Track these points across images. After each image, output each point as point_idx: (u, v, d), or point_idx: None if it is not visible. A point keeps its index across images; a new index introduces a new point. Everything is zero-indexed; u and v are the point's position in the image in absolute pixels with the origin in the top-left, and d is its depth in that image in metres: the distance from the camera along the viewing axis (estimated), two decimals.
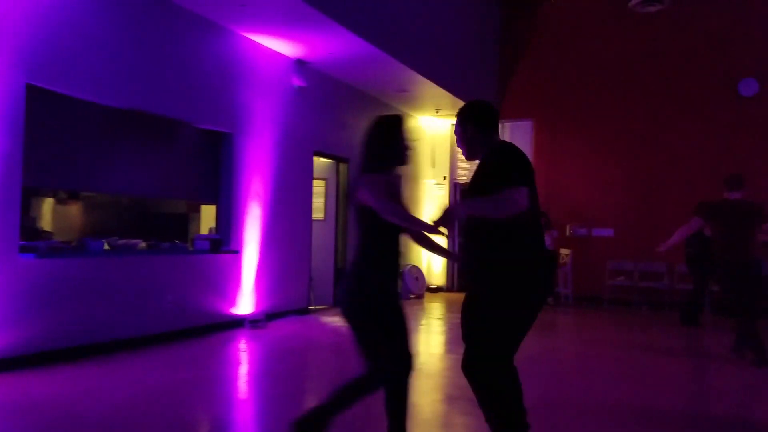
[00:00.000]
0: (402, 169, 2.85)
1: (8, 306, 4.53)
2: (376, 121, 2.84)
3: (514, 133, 11.09)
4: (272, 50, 7.23)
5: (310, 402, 3.62)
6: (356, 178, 2.76)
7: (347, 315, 2.73)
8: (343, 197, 8.82)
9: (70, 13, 4.97)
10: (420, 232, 2.91)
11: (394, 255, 2.77)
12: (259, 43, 7.01)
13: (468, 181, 11.13)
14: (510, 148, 2.72)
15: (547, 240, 9.97)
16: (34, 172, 4.81)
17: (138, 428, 3.38)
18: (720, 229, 5.60)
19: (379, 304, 2.68)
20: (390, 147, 2.75)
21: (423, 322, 7.95)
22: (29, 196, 6.45)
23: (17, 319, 4.59)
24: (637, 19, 9.92)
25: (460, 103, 9.72)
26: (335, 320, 7.60)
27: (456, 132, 2.89)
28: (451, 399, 4.34)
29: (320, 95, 8.15)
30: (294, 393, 4.46)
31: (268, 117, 7.26)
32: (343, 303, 2.73)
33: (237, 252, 6.76)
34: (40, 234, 5.74)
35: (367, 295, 2.67)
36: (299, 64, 7.60)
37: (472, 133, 2.80)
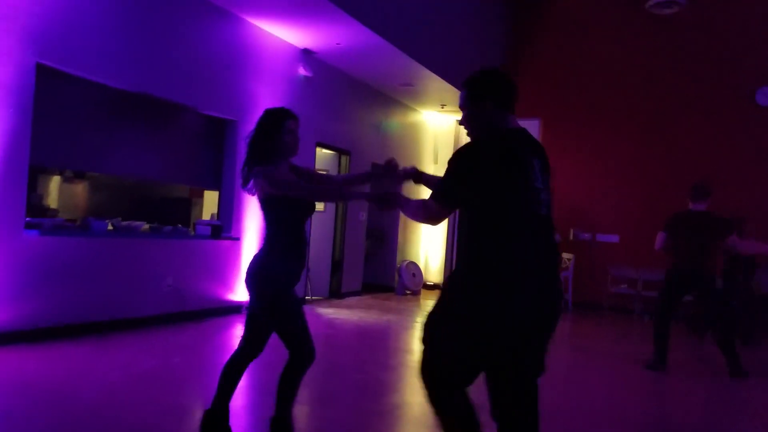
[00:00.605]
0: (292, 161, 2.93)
1: (10, 281, 4.60)
2: (262, 115, 2.91)
3: None
4: (280, 39, 7.25)
5: (299, 393, 3.69)
6: (246, 176, 2.82)
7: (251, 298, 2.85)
8: None
9: None
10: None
11: (298, 245, 2.83)
12: (267, 31, 7.04)
13: None
14: (470, 147, 2.20)
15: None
16: (42, 150, 4.87)
17: (127, 412, 3.43)
18: (681, 241, 5.53)
19: (277, 291, 2.77)
20: (272, 140, 2.81)
21: (418, 319, 8.01)
22: (36, 174, 6.51)
23: (17, 294, 4.66)
24: (652, 21, 9.78)
25: None
26: (331, 311, 7.67)
27: (464, 106, 2.37)
28: None
29: (325, 86, 8.17)
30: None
31: (272, 105, 7.27)
32: (247, 285, 2.83)
33: (237, 239, 6.82)
34: (46, 211, 5.80)
35: (266, 282, 2.76)
36: (306, 53, 7.63)
37: (490, 111, 2.29)
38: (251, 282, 2.80)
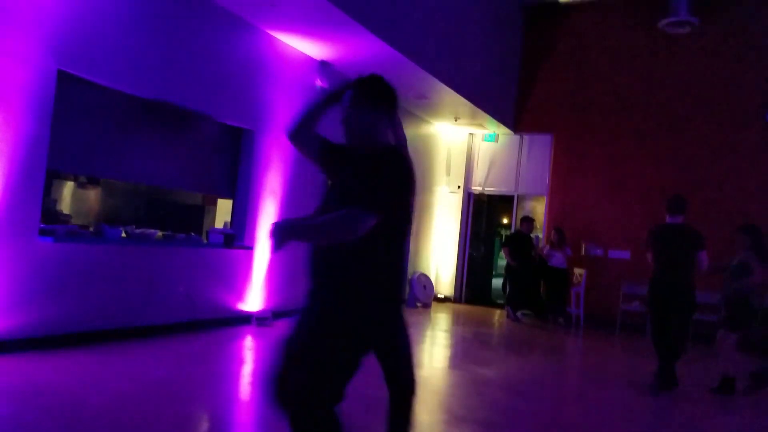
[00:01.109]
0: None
1: (23, 288, 4.59)
2: None
3: (533, 146, 11.06)
4: (297, 50, 7.26)
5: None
6: None
7: None
8: None
9: (101, 3, 5.03)
10: None
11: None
12: (285, 43, 7.05)
13: (480, 190, 11.16)
14: (395, 157, 2.20)
15: (560, 258, 9.92)
16: (59, 156, 4.87)
17: (138, 421, 3.41)
18: (657, 253, 5.56)
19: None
20: None
21: (428, 333, 7.94)
22: (51, 179, 6.52)
23: (30, 301, 4.65)
24: (665, 40, 9.86)
25: (479, 112, 9.75)
26: None
27: (344, 106, 2.33)
28: (456, 419, 4.33)
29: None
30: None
31: (288, 116, 7.29)
32: None
33: (250, 248, 6.80)
34: (59, 217, 5.80)
35: None
36: (323, 65, 7.63)
37: (368, 116, 2.28)
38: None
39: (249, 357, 5.62)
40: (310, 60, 7.49)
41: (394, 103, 2.35)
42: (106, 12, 5.06)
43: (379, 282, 2.14)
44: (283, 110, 7.17)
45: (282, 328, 6.81)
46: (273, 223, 2.15)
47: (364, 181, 2.11)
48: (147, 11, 5.43)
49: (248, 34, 6.56)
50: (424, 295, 10.08)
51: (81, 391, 3.87)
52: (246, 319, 6.80)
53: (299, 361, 2.13)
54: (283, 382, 2.14)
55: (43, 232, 4.76)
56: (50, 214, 5.62)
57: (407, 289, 10.04)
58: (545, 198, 10.98)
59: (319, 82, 7.60)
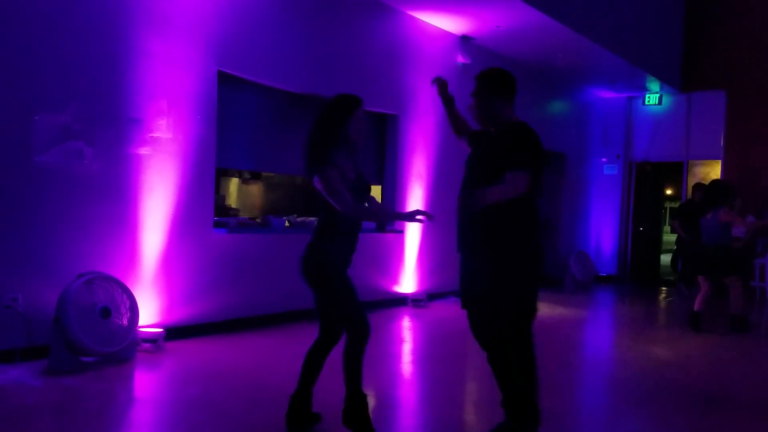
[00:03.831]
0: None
1: (203, 276, 5.03)
2: (331, 100, 2.91)
3: (701, 105, 9.90)
4: (437, 28, 7.14)
5: (474, 388, 3.54)
6: (310, 170, 2.84)
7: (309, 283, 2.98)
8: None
9: (252, 4, 5.31)
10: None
11: (349, 232, 2.90)
12: (424, 21, 6.96)
13: (644, 159, 10.24)
14: (523, 128, 2.82)
15: (740, 229, 8.77)
16: (224, 154, 5.26)
17: (313, 398, 3.54)
18: None
19: (333, 272, 2.88)
20: (339, 127, 2.80)
21: (593, 312, 7.46)
22: (218, 176, 7.10)
23: (209, 288, 5.08)
24: None
25: (639, 73, 8.90)
26: None
27: (473, 95, 2.94)
28: (628, 402, 3.98)
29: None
30: (458, 378, 4.41)
31: (431, 97, 7.17)
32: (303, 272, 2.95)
33: (401, 231, 6.85)
34: (228, 211, 6.28)
35: (321, 267, 2.89)
36: (464, 40, 7.43)
37: (492, 101, 2.88)
38: (308, 271, 2.91)
39: (408, 337, 5.67)
40: (450, 36, 7.33)
41: (511, 88, 2.93)
42: (257, 13, 5.33)
43: (525, 235, 2.84)
44: (426, 92, 7.09)
45: (437, 309, 6.80)
46: (460, 195, 2.80)
47: (512, 150, 2.74)
48: (292, 8, 5.64)
49: (388, 16, 6.57)
50: (583, 273, 9.49)
51: (259, 372, 4.14)
52: (402, 300, 6.88)
53: (488, 309, 2.82)
54: (480, 330, 2.89)
55: (217, 225, 5.17)
56: (221, 209, 6.11)
57: (566, 271, 9.53)
58: (720, 162, 9.77)
59: (460, 59, 7.41)
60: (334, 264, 2.88)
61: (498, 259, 2.79)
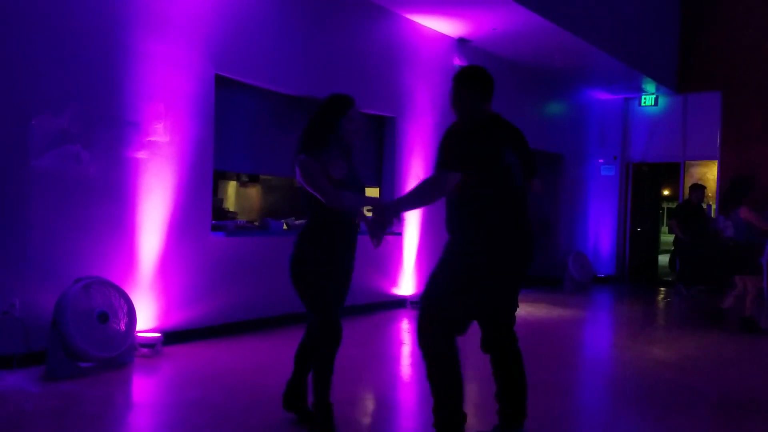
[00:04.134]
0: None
1: (201, 280, 5.01)
2: (323, 99, 2.93)
3: (697, 106, 9.93)
4: (434, 30, 7.15)
5: (473, 390, 3.55)
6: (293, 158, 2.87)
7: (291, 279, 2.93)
8: None
9: (250, 7, 5.30)
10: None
11: (331, 229, 2.86)
12: (421, 24, 6.97)
13: (640, 159, 10.25)
14: (472, 126, 2.74)
15: (730, 228, 8.77)
16: (222, 156, 5.25)
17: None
18: None
19: (307, 268, 2.85)
20: (329, 126, 2.83)
21: (591, 313, 7.46)
22: (216, 179, 7.09)
23: (208, 292, 5.06)
24: None
25: (635, 74, 8.92)
26: None
27: (450, 94, 2.92)
28: (629, 400, 3.98)
29: None
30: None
31: (428, 99, 7.21)
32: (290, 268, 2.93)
33: (399, 234, 6.85)
34: (227, 214, 6.27)
35: (298, 263, 2.88)
36: (461, 42, 7.44)
37: (464, 98, 2.82)
38: (290, 270, 2.90)
39: (407, 339, 5.66)
40: (447, 39, 7.34)
41: (479, 84, 2.82)
42: (255, 16, 5.33)
43: (495, 230, 2.69)
44: (423, 94, 7.11)
45: None
46: (375, 211, 2.75)
47: (445, 148, 2.72)
48: (290, 12, 5.64)
49: (385, 19, 6.57)
50: (581, 274, 9.50)
51: (258, 375, 4.13)
52: (400, 302, 6.88)
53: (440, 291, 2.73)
54: (429, 314, 2.73)
55: (215, 228, 5.16)
56: (218, 212, 6.09)
57: (564, 270, 9.54)
58: (716, 163, 9.80)
59: (457, 61, 7.42)
60: (308, 262, 2.85)
61: (446, 262, 2.75)
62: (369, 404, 3.80)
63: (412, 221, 7.02)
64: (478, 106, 2.81)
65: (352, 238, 2.95)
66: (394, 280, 6.86)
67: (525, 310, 7.18)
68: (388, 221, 2.77)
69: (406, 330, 5.97)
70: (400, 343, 5.52)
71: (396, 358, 4.99)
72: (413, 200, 2.86)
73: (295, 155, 2.85)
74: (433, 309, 2.69)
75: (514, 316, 2.93)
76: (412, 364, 4.81)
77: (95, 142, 4.31)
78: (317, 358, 2.90)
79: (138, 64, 4.53)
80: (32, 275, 4.04)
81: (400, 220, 2.73)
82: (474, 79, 2.84)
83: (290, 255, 2.92)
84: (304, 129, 2.89)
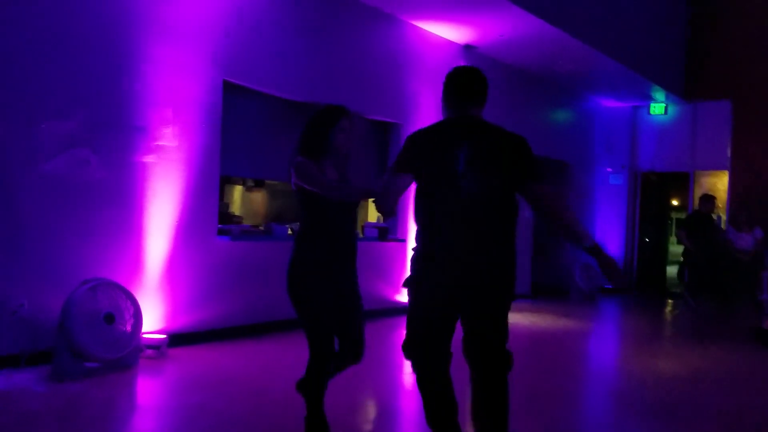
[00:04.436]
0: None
1: (206, 283, 5.05)
2: (317, 110, 2.92)
3: (707, 115, 9.88)
4: (440, 37, 7.18)
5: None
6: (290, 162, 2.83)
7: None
8: None
9: (257, 14, 5.36)
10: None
11: (324, 238, 2.79)
12: (427, 31, 7.01)
13: (649, 168, 10.19)
14: (416, 132, 2.56)
15: (748, 240, 8.72)
16: (228, 161, 5.30)
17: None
18: None
19: (297, 279, 2.79)
20: (322, 136, 2.81)
21: (599, 324, 7.43)
22: (222, 184, 7.16)
23: (213, 295, 5.09)
24: None
25: (643, 81, 8.90)
26: None
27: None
28: (637, 413, 3.96)
29: (487, 80, 7.93)
30: (460, 387, 4.39)
31: (434, 106, 7.21)
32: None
33: (403, 240, 6.87)
34: (232, 218, 6.32)
35: (289, 273, 2.82)
36: (467, 49, 7.47)
37: (442, 101, 2.64)
38: (287, 277, 2.84)
39: None
40: (453, 46, 7.38)
41: (447, 87, 2.61)
42: (262, 23, 5.39)
43: (417, 253, 2.57)
44: (428, 101, 7.13)
45: None
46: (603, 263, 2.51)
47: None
48: (296, 19, 5.70)
49: (390, 26, 6.62)
50: (589, 284, 9.46)
51: (263, 379, 4.14)
52: (403, 309, 6.86)
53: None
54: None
55: (221, 232, 5.20)
56: (224, 216, 6.14)
57: (571, 280, 9.50)
58: (727, 173, 9.74)
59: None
60: (299, 273, 2.79)
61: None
62: (371, 411, 3.81)
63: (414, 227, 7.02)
64: (445, 108, 2.63)
65: (349, 245, 2.87)
66: (397, 287, 6.87)
67: (530, 320, 7.16)
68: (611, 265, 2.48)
69: None
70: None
71: (399, 366, 4.99)
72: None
73: (291, 160, 2.85)
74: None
75: (492, 348, 2.59)
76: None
77: (103, 147, 4.37)
78: (305, 382, 2.84)
79: (146, 70, 4.59)
80: (40, 276, 4.10)
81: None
82: (445, 85, 2.63)
83: (289, 260, 2.86)
84: (297, 139, 2.89)
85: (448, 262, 2.45)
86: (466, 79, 2.59)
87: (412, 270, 2.58)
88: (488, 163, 2.42)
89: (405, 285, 2.59)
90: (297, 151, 2.85)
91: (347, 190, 2.78)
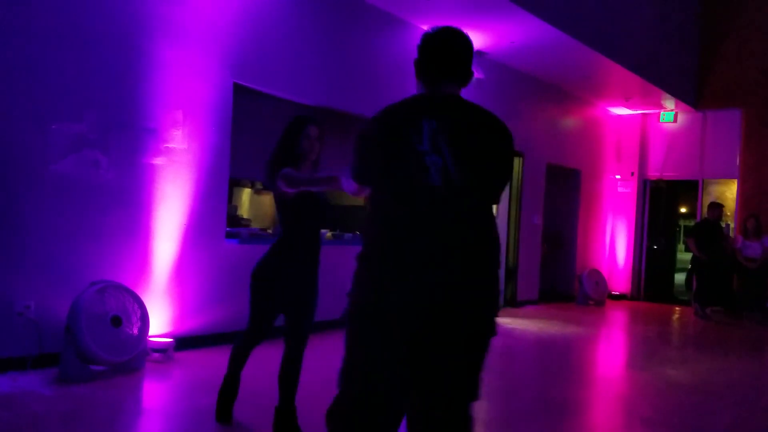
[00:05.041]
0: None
1: (214, 286, 5.02)
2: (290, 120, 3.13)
3: (717, 123, 9.82)
4: None
5: (478, 404, 3.50)
6: (271, 176, 3.01)
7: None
8: (516, 193, 8.50)
9: (269, 17, 5.35)
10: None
11: (299, 247, 3.09)
12: None
13: (658, 176, 10.15)
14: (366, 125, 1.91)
15: (756, 248, 8.66)
16: (238, 164, 5.28)
17: (316, 412, 3.51)
18: None
19: (261, 280, 3.14)
20: (292, 143, 3.06)
21: (606, 331, 7.37)
22: (231, 187, 7.14)
23: (220, 299, 5.07)
24: None
25: (653, 89, 8.86)
26: (508, 321, 7.35)
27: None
28: (644, 423, 3.91)
29: (497, 87, 7.91)
30: None
31: None
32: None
33: None
34: (240, 221, 6.30)
35: (256, 271, 3.18)
36: (478, 55, 7.44)
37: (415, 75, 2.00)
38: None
39: None
40: None
41: (419, 58, 2.03)
42: (273, 26, 5.38)
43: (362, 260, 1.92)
44: None
45: None
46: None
47: None
48: (307, 21, 5.68)
49: (402, 31, 6.60)
50: (596, 292, 9.40)
51: (269, 382, 4.09)
52: None
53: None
54: None
55: (229, 235, 5.18)
56: (232, 219, 6.12)
57: (577, 287, 9.44)
58: (736, 181, 9.68)
59: (474, 74, 7.42)
60: (271, 261, 3.14)
61: None
62: None
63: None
64: (418, 85, 2.02)
65: (317, 247, 3.18)
66: None
67: (537, 327, 7.11)
68: None
69: None
70: None
71: None
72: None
73: (273, 172, 3.02)
74: None
75: (455, 415, 1.78)
76: None
77: (113, 148, 4.36)
78: (234, 346, 3.27)
79: (157, 72, 4.58)
80: (48, 278, 4.08)
81: None
82: (418, 52, 2.02)
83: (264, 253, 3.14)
84: (272, 151, 3.13)
85: (416, 278, 1.70)
86: (441, 44, 1.95)
87: (358, 292, 1.84)
88: (468, 144, 1.78)
89: (345, 315, 1.89)
90: (273, 161, 3.08)
91: (326, 178, 2.92)
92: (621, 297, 10.35)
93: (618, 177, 10.55)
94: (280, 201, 3.04)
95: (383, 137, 1.82)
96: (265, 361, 3.79)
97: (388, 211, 1.78)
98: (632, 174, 10.49)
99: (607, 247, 10.54)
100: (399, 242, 1.74)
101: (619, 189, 10.55)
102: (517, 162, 8.50)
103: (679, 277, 11.48)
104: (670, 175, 10.35)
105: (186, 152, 4.78)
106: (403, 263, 1.72)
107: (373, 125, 1.88)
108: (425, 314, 1.70)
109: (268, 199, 7.88)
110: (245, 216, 7.23)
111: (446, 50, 1.95)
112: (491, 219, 1.86)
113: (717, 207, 8.96)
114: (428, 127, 1.77)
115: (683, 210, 13.52)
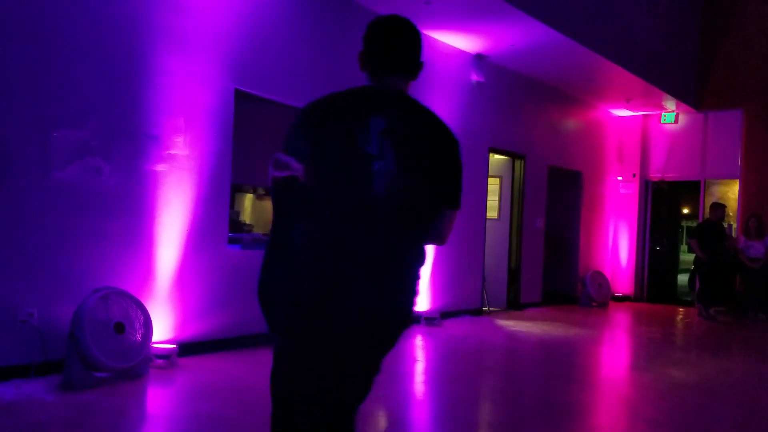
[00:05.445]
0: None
1: (217, 292, 5.03)
2: None
3: (718, 124, 9.82)
4: (451, 46, 7.18)
5: (488, 409, 3.51)
6: None
7: None
8: (518, 195, 8.50)
9: (269, 23, 5.37)
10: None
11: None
12: (438, 40, 7.01)
13: (660, 177, 10.15)
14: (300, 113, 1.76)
15: (758, 248, 8.65)
16: (240, 169, 5.29)
17: None
18: None
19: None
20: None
21: (610, 333, 7.35)
22: (233, 192, 7.16)
23: (223, 304, 5.08)
24: None
25: (653, 90, 8.87)
26: (511, 323, 7.35)
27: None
28: (649, 424, 3.91)
29: (498, 90, 7.93)
30: (471, 398, 4.35)
31: (445, 114, 7.20)
32: None
33: None
34: (243, 227, 6.31)
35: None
36: (478, 58, 7.46)
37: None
38: None
39: (421, 356, 5.62)
40: (464, 55, 7.37)
41: (366, 47, 1.92)
42: (274, 32, 5.40)
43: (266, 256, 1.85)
44: (440, 110, 7.10)
45: (451, 327, 6.75)
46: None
47: None
48: (307, 27, 5.71)
49: None
50: (599, 293, 9.39)
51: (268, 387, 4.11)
52: (415, 319, 6.83)
53: None
54: None
55: (231, 241, 5.19)
56: (235, 224, 6.13)
57: (580, 289, 9.43)
58: (738, 182, 9.67)
59: (474, 77, 7.44)
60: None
61: None
62: (381, 421, 3.76)
63: None
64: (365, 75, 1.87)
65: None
66: None
67: (541, 329, 7.10)
68: None
69: (420, 347, 5.93)
70: (414, 360, 5.47)
71: (409, 375, 4.95)
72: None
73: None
74: None
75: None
76: (425, 382, 4.78)
77: (115, 155, 4.37)
78: None
79: (158, 79, 4.60)
80: (51, 285, 4.09)
81: None
82: (364, 35, 1.93)
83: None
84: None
85: (305, 265, 1.63)
86: (386, 35, 1.86)
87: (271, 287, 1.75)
88: (413, 149, 1.69)
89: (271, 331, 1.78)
90: None
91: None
92: (624, 298, 10.34)
93: (620, 178, 10.56)
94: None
95: (324, 129, 1.69)
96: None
97: (312, 206, 1.66)
98: (634, 175, 10.49)
99: (610, 249, 10.53)
100: (309, 234, 1.63)
101: (621, 190, 10.55)
102: (518, 164, 8.51)
103: (682, 278, 11.46)
104: (671, 176, 10.34)
105: (188, 158, 4.80)
106: (301, 251, 1.64)
107: (313, 111, 1.74)
108: (300, 298, 1.65)
109: (269, 205, 7.89)
110: (247, 221, 7.23)
111: (392, 41, 1.85)
112: (422, 235, 1.74)
113: (719, 207, 8.95)
114: (376, 127, 1.64)
115: (685, 211, 13.52)
